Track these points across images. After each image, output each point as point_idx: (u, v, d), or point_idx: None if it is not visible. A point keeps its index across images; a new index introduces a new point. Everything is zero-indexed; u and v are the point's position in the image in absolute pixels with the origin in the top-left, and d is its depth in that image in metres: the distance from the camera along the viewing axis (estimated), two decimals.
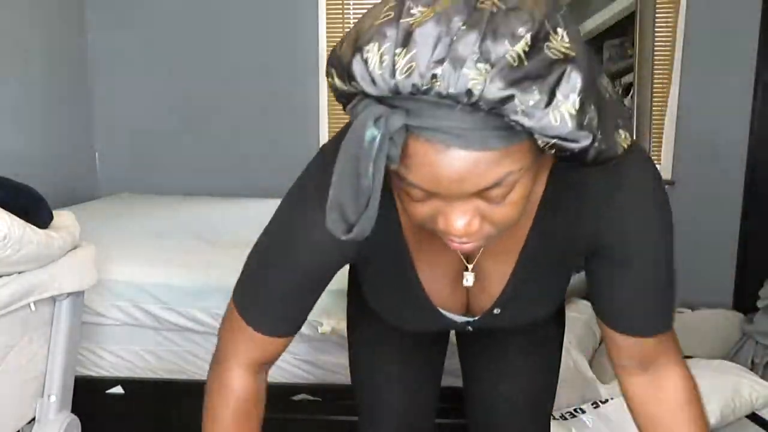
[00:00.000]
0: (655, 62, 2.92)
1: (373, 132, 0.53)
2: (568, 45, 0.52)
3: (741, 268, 3.08)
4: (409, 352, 1.07)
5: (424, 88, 0.51)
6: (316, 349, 1.84)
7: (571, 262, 0.84)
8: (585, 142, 0.54)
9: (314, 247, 0.77)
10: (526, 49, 0.49)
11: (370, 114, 0.53)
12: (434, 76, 0.50)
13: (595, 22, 3.11)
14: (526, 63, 0.49)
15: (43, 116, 2.88)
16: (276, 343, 0.84)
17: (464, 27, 0.50)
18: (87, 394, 1.70)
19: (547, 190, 0.74)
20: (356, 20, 0.58)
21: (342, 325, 1.67)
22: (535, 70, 0.50)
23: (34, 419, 1.46)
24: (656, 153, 3.09)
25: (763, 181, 2.99)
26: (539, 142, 0.54)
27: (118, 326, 1.84)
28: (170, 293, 1.81)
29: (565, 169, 0.69)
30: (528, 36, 0.50)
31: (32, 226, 1.22)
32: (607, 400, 1.74)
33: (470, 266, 0.81)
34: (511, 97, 0.50)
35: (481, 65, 0.49)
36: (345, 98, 0.59)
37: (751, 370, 2.16)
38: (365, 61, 0.52)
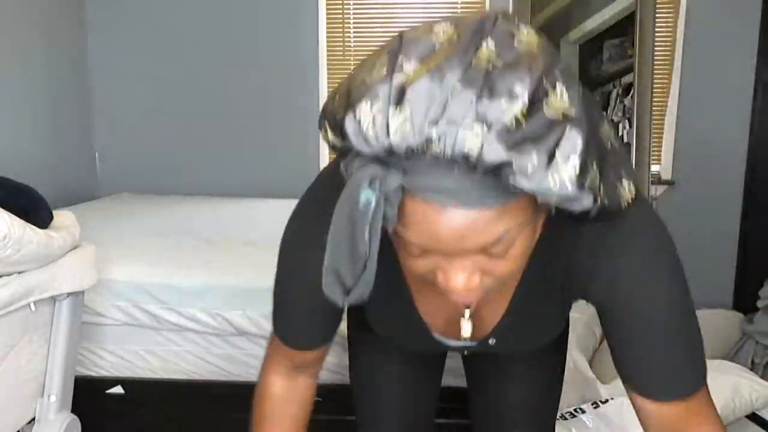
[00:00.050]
0: (655, 62, 2.92)
1: (369, 195, 0.51)
2: (567, 103, 0.50)
3: (741, 268, 3.08)
4: (409, 352, 1.07)
5: (420, 149, 0.49)
6: None
7: (568, 297, 0.81)
8: (586, 202, 0.52)
9: (314, 284, 0.77)
10: (524, 110, 0.48)
11: (365, 175, 0.51)
12: (430, 137, 0.48)
13: (595, 22, 3.11)
14: (524, 125, 0.48)
15: (43, 116, 2.88)
16: (310, 354, 0.88)
17: (459, 85, 0.48)
18: (87, 394, 1.70)
19: (545, 229, 0.72)
20: (350, 72, 0.56)
21: (342, 326, 1.67)
22: (534, 132, 0.48)
23: (34, 419, 1.46)
24: (656, 153, 3.09)
25: (763, 181, 2.99)
26: (538, 200, 0.52)
27: (118, 326, 1.84)
28: (170, 293, 1.81)
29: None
30: (525, 95, 0.48)
31: (32, 226, 1.22)
32: (607, 400, 1.74)
33: (467, 312, 0.79)
34: (509, 162, 0.48)
35: (477, 127, 0.47)
36: (339, 152, 0.57)
37: (751, 370, 2.17)
38: (358, 122, 0.50)
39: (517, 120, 0.48)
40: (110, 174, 3.35)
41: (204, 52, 3.24)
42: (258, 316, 1.78)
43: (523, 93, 0.48)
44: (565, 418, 1.69)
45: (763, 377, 2.00)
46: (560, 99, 0.50)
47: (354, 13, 3.17)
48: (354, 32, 3.18)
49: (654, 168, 3.04)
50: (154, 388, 1.87)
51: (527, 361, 1.05)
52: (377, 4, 3.16)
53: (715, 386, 1.87)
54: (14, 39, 2.64)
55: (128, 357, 1.87)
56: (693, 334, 0.73)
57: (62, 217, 1.42)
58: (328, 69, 3.21)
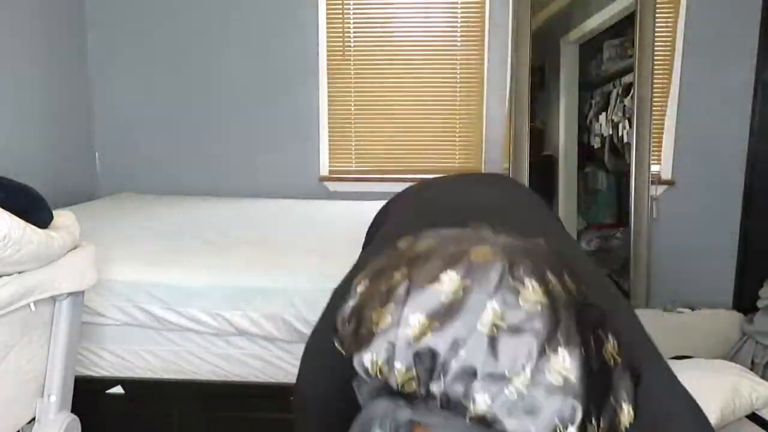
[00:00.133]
0: (655, 62, 2.93)
1: None
2: (568, 367, 0.51)
3: (741, 268, 3.08)
4: None
5: (431, 398, 0.52)
6: None
7: None
8: None
9: None
10: (527, 383, 0.50)
11: (374, 414, 0.55)
12: (440, 393, 0.51)
13: (595, 22, 3.12)
14: (525, 395, 0.50)
15: (43, 116, 2.88)
16: None
17: (466, 348, 0.51)
18: (87, 394, 1.69)
19: None
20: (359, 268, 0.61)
21: None
22: (535, 402, 0.50)
23: (34, 419, 1.46)
24: (656, 153, 3.09)
25: (763, 181, 2.99)
26: None
27: (118, 326, 1.84)
28: (170, 293, 1.81)
29: None
30: (528, 370, 0.50)
31: (32, 226, 1.22)
32: None
33: None
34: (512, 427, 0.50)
35: (483, 397, 0.50)
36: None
37: (751, 370, 2.17)
38: (366, 369, 0.54)
39: (520, 393, 0.50)
40: (110, 174, 3.35)
41: (204, 53, 3.24)
42: (258, 316, 1.78)
43: (526, 365, 0.50)
44: None
45: (763, 377, 2.00)
46: (563, 363, 0.51)
47: (354, 13, 3.17)
48: (354, 32, 3.18)
49: (654, 168, 3.04)
50: (154, 388, 1.87)
51: None
52: (377, 4, 3.16)
53: (715, 386, 1.86)
54: (14, 39, 2.64)
55: (128, 357, 1.87)
56: None
57: (62, 217, 1.42)
58: (328, 69, 3.21)
